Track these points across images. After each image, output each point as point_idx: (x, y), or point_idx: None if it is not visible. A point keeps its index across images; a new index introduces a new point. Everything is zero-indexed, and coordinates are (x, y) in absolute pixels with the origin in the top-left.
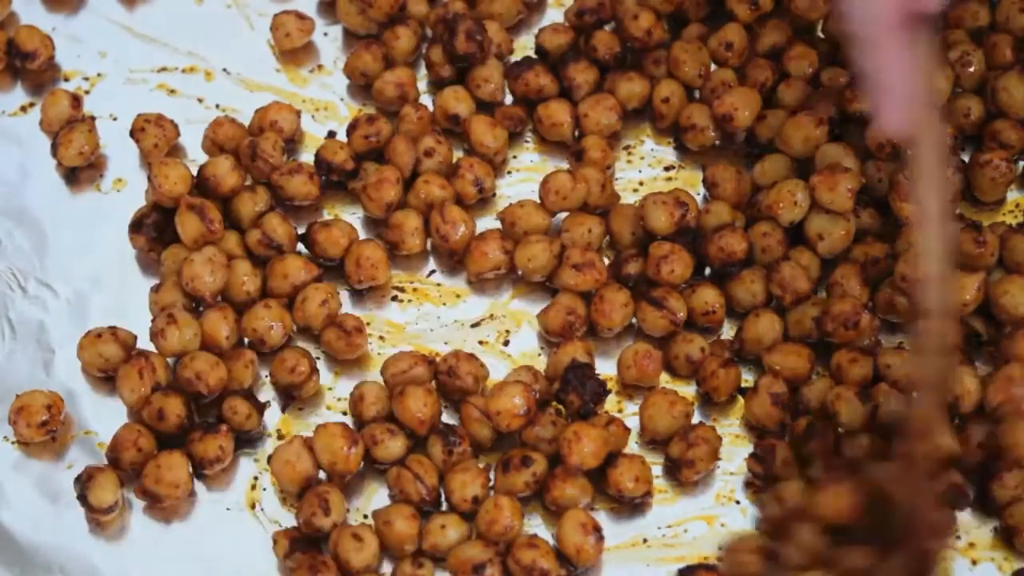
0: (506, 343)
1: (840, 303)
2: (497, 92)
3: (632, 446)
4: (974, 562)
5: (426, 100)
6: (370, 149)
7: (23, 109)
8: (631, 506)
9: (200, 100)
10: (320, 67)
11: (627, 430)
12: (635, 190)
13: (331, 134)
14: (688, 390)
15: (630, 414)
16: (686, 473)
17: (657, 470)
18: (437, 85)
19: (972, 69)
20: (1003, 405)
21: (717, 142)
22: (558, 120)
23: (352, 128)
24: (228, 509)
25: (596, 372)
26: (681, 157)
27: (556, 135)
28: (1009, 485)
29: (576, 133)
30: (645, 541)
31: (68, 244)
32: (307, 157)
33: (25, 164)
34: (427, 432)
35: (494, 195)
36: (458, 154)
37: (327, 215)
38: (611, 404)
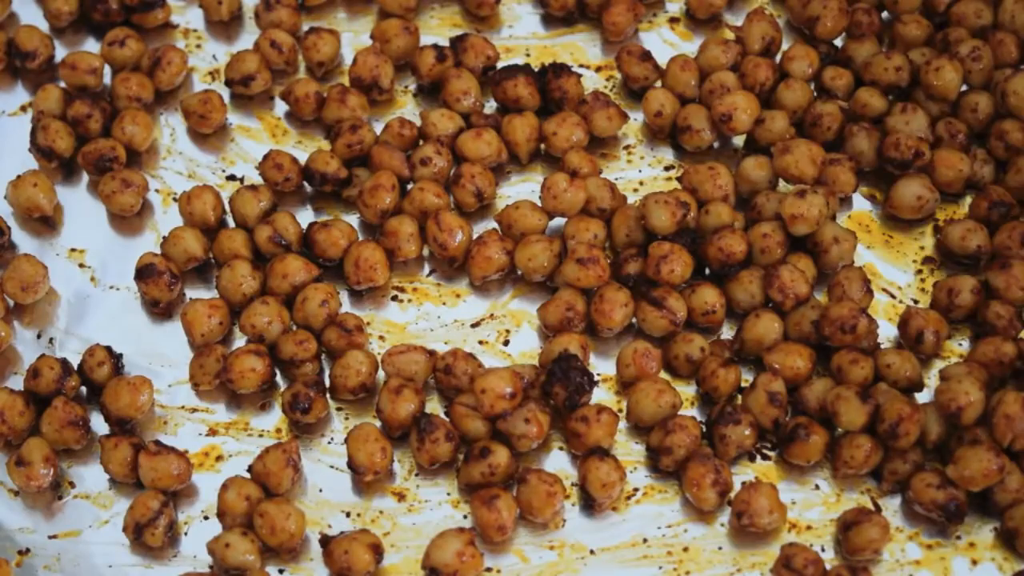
0: (506, 343)
1: (838, 307)
2: (477, 103)
3: (634, 449)
4: (974, 562)
5: (413, 99)
6: (353, 157)
7: (23, 109)
8: (630, 505)
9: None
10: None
11: (616, 417)
12: (635, 190)
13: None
14: (688, 390)
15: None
16: (665, 461)
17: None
18: (422, 90)
19: (982, 65)
20: (1014, 443)
21: (715, 144)
22: (513, 139)
23: (335, 136)
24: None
25: (583, 364)
26: (681, 157)
27: (513, 151)
28: (1010, 488)
29: (542, 149)
30: (645, 541)
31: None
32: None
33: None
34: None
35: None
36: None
37: (327, 216)
38: (611, 405)
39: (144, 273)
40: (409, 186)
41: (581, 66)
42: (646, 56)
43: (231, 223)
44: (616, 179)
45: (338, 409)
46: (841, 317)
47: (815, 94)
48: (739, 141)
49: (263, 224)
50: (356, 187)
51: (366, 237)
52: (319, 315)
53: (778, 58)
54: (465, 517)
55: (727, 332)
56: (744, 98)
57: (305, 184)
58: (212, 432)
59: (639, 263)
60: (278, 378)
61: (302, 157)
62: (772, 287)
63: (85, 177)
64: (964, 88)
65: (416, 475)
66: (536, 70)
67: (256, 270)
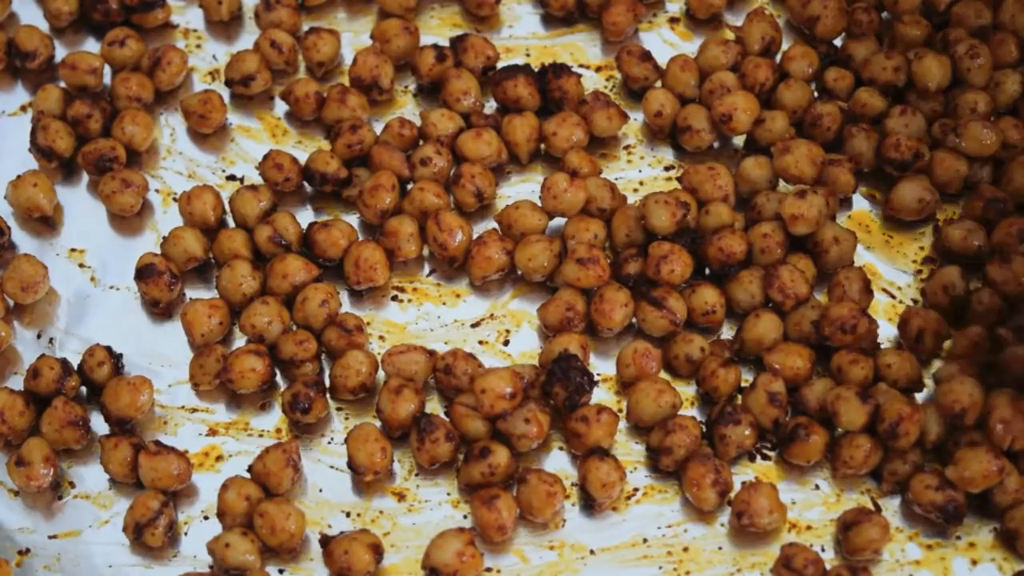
0: (506, 343)
1: (838, 308)
2: (477, 103)
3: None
4: (974, 562)
5: (413, 99)
6: (353, 157)
7: (23, 109)
8: (630, 505)
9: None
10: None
11: (616, 417)
12: (635, 190)
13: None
14: (688, 390)
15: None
16: (665, 461)
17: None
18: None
19: (980, 63)
20: (1014, 443)
21: (715, 144)
22: (513, 139)
23: (335, 136)
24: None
25: (583, 364)
26: (681, 157)
27: (513, 151)
28: (1010, 490)
29: (542, 149)
30: (645, 541)
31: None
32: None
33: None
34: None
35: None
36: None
37: (327, 216)
38: (611, 405)
39: (144, 273)
40: (409, 186)
41: (581, 66)
42: (646, 56)
43: (231, 223)
44: (616, 179)
45: (338, 409)
46: (841, 317)
47: (816, 95)
48: (739, 141)
49: (263, 224)
50: (356, 187)
51: (366, 237)
52: (319, 315)
53: (778, 58)
54: (465, 517)
55: (727, 332)
56: (744, 98)
57: (305, 184)
58: (212, 432)
59: (639, 263)
60: (278, 378)
61: (302, 157)
62: (772, 287)
63: (85, 177)
64: (964, 88)
65: (416, 475)
66: (536, 70)
67: (256, 270)
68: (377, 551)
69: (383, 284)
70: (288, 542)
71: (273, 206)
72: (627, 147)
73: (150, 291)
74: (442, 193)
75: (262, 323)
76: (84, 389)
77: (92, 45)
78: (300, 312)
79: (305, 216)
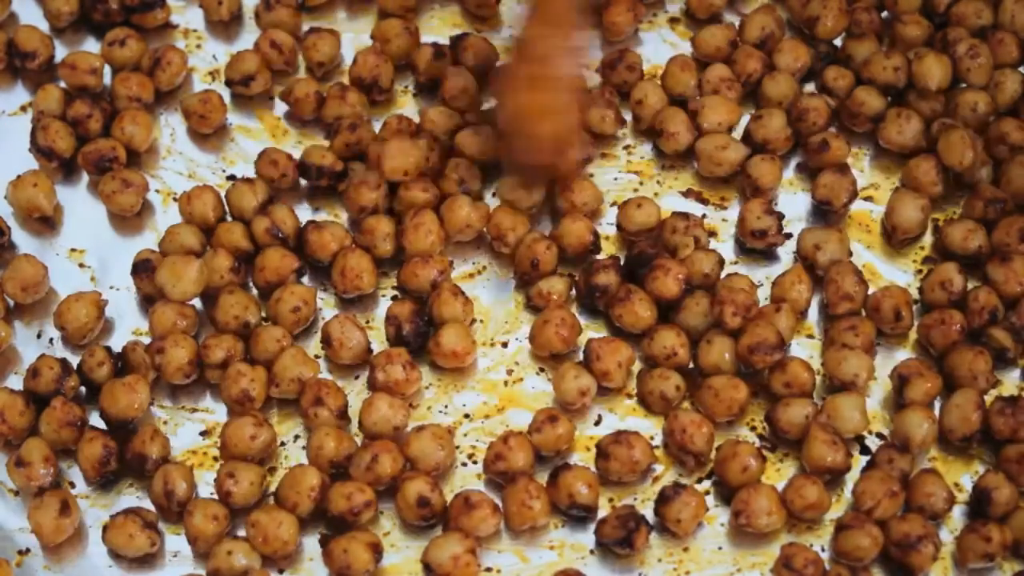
0: (504, 344)
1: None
2: (476, 101)
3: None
4: None
5: (413, 99)
6: (351, 156)
7: (23, 109)
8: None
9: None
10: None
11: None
12: (635, 190)
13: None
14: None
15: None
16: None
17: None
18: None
19: (980, 62)
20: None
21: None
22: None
23: (335, 133)
24: None
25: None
26: (681, 156)
27: None
28: (1000, 502)
29: None
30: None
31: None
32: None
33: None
34: None
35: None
36: None
37: (326, 215)
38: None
39: (139, 268)
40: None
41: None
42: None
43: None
44: (615, 179)
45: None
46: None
47: (815, 92)
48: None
49: (260, 216)
50: (347, 182)
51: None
52: (288, 319)
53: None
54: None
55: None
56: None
57: (302, 181)
58: (211, 432)
59: (611, 275)
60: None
61: None
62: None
63: (85, 177)
64: (963, 87)
65: None
66: None
67: (237, 263)
68: (376, 551)
69: (371, 292)
70: (282, 549)
71: (270, 199)
72: (627, 147)
73: (145, 287)
74: (429, 188)
75: (240, 311)
76: (83, 389)
77: (92, 45)
78: (272, 310)
79: (303, 213)
